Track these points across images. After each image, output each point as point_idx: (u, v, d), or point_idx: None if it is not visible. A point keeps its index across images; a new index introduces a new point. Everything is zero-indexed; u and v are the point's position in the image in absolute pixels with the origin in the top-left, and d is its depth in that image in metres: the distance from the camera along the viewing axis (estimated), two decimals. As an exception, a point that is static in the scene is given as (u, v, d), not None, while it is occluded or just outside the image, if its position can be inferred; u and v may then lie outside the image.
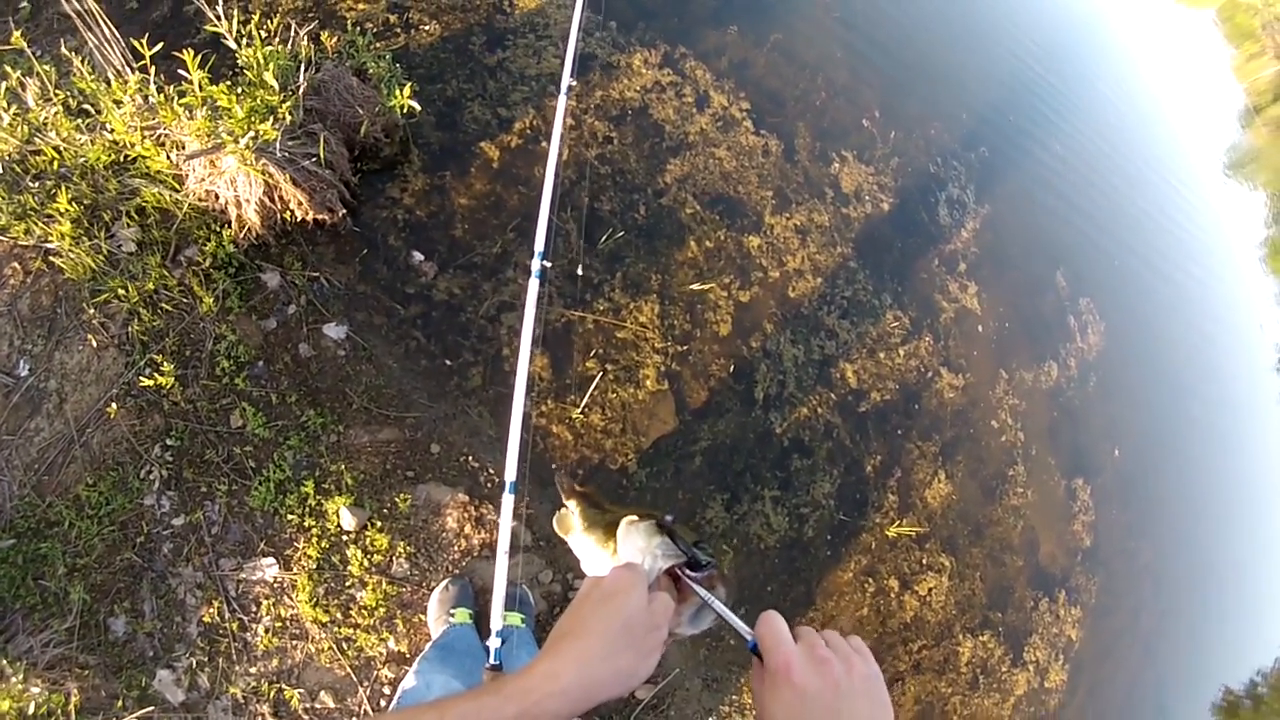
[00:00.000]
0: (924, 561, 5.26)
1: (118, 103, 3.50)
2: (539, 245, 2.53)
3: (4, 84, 3.45)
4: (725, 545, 4.52)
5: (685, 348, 4.79)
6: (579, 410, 4.30)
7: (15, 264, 3.52)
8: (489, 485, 4.00)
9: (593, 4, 5.78)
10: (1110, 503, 6.85)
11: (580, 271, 4.61)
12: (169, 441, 3.48)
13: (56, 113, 3.56)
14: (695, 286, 5.00)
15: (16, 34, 3.39)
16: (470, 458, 4.01)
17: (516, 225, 4.66)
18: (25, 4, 4.66)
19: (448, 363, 4.18)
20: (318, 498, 3.60)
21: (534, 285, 2.45)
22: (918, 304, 6.08)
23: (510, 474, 2.00)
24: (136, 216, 3.67)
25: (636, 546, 1.29)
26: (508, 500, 2.01)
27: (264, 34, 3.75)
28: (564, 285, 4.62)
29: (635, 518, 1.43)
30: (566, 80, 3.48)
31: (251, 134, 3.41)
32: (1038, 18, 12.54)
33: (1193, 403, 9.15)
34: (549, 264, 2.59)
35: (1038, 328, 7.16)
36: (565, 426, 4.31)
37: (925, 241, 6.56)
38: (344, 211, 4.05)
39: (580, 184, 4.97)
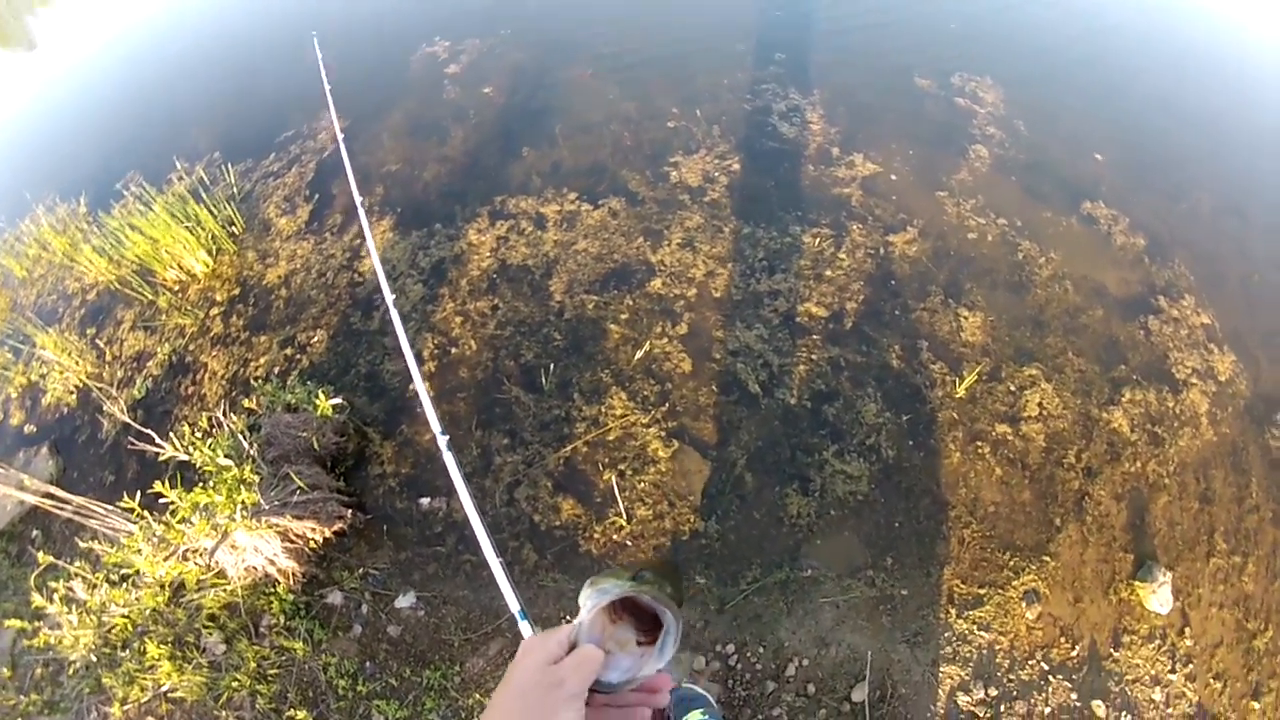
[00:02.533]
0: (1012, 388, 5.14)
1: (138, 552, 4.02)
2: (435, 427, 2.87)
3: (56, 596, 4.03)
4: (831, 517, 4.53)
5: (667, 405, 4.95)
6: (624, 518, 4.46)
7: (149, 718, 4.00)
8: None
9: (413, 222, 6.41)
10: (1130, 194, 6.68)
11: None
12: None
13: (107, 591, 4.14)
14: (639, 355, 5.20)
15: (40, 554, 4.13)
16: (567, 615, 4.17)
17: (478, 422, 5.03)
18: (36, 532, 5.45)
19: (501, 560, 4.41)
20: (471, 735, 3.80)
21: (448, 456, 2.76)
22: (824, 210, 6.19)
23: (513, 606, 2.22)
24: (211, 623, 4.20)
25: (582, 605, 1.21)
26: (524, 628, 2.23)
27: (203, 434, 4.38)
28: (542, 436, 4.90)
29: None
30: (389, 296, 3.87)
31: (239, 506, 3.92)
32: None
33: (1120, 47, 8.95)
34: (448, 435, 2.91)
35: (939, 134, 7.16)
36: (624, 538, 4.47)
37: (791, 162, 6.73)
38: (351, 511, 4.51)
39: (499, 357, 5.35)
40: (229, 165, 8.15)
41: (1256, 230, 6.70)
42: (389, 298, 3.87)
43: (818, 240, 5.91)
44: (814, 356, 5.20)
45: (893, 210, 6.20)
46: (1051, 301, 5.70)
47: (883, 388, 5.08)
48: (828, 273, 5.69)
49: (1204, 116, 8.10)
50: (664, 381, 5.09)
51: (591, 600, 1.13)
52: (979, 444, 4.86)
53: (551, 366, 5.20)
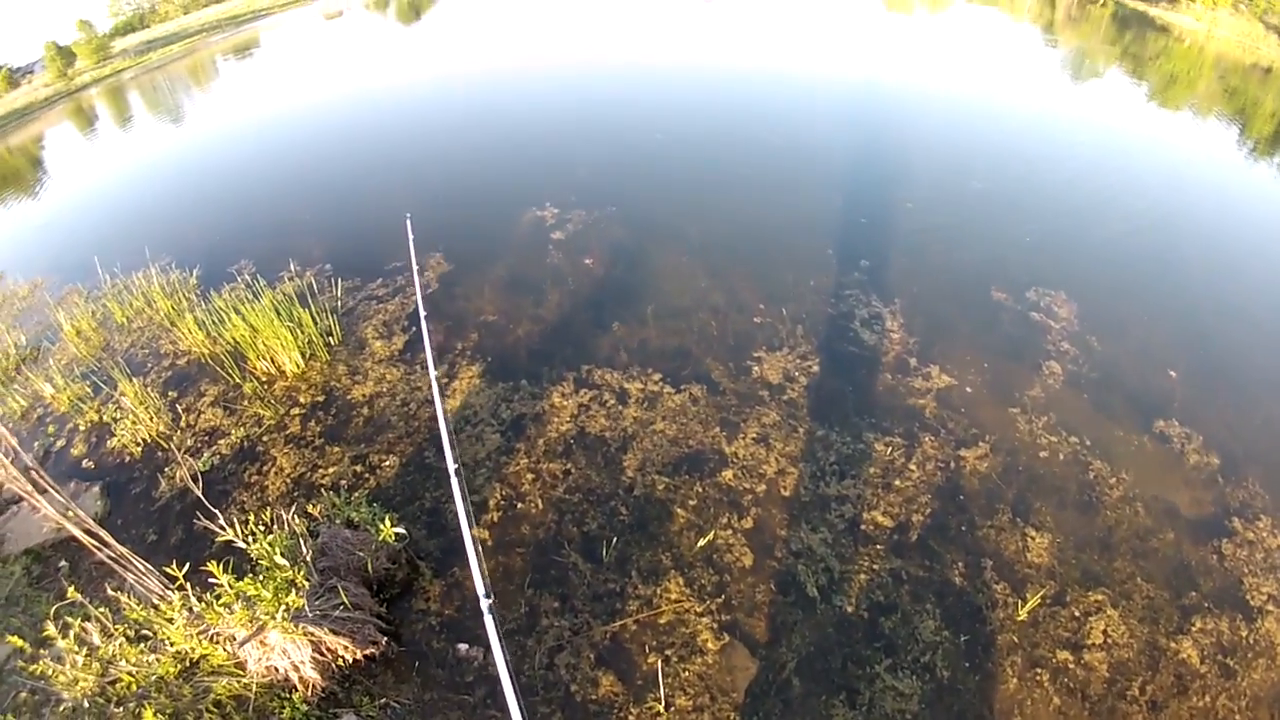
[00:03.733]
0: (1076, 614, 5.00)
1: (170, 620, 4.11)
2: (480, 587, 2.97)
3: (71, 632, 4.03)
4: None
5: (723, 597, 5.00)
6: (662, 705, 4.43)
7: None
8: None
9: (500, 374, 6.79)
10: (1204, 411, 6.62)
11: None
12: None
13: (121, 644, 4.15)
14: (701, 543, 5.32)
15: (70, 589, 4.10)
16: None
17: (531, 580, 5.14)
18: (64, 562, 5.63)
19: None
20: None
21: (489, 619, 2.85)
22: (898, 420, 6.34)
23: None
24: (215, 709, 4.14)
25: None
26: None
27: (263, 527, 4.50)
28: (593, 606, 4.97)
29: None
30: (452, 464, 4.08)
31: (283, 608, 4.03)
32: (819, 120, 14.05)
33: (1192, 263, 9.06)
34: (493, 598, 3.00)
35: (1013, 347, 7.33)
36: (663, 726, 4.42)
37: (868, 368, 6.97)
38: (386, 639, 4.57)
39: (563, 521, 5.52)
40: (338, 279, 8.86)
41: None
42: (451, 461, 4.10)
43: (889, 449, 6.03)
44: (875, 566, 5.21)
45: (965, 424, 6.30)
46: (1121, 523, 5.61)
47: (943, 604, 5.02)
48: (896, 483, 5.77)
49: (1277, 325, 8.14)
50: (723, 573, 5.16)
51: None
52: (1038, 670, 4.71)
53: (614, 540, 5.35)
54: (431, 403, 6.68)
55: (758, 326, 7.46)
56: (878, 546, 5.35)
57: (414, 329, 7.81)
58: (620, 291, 8.23)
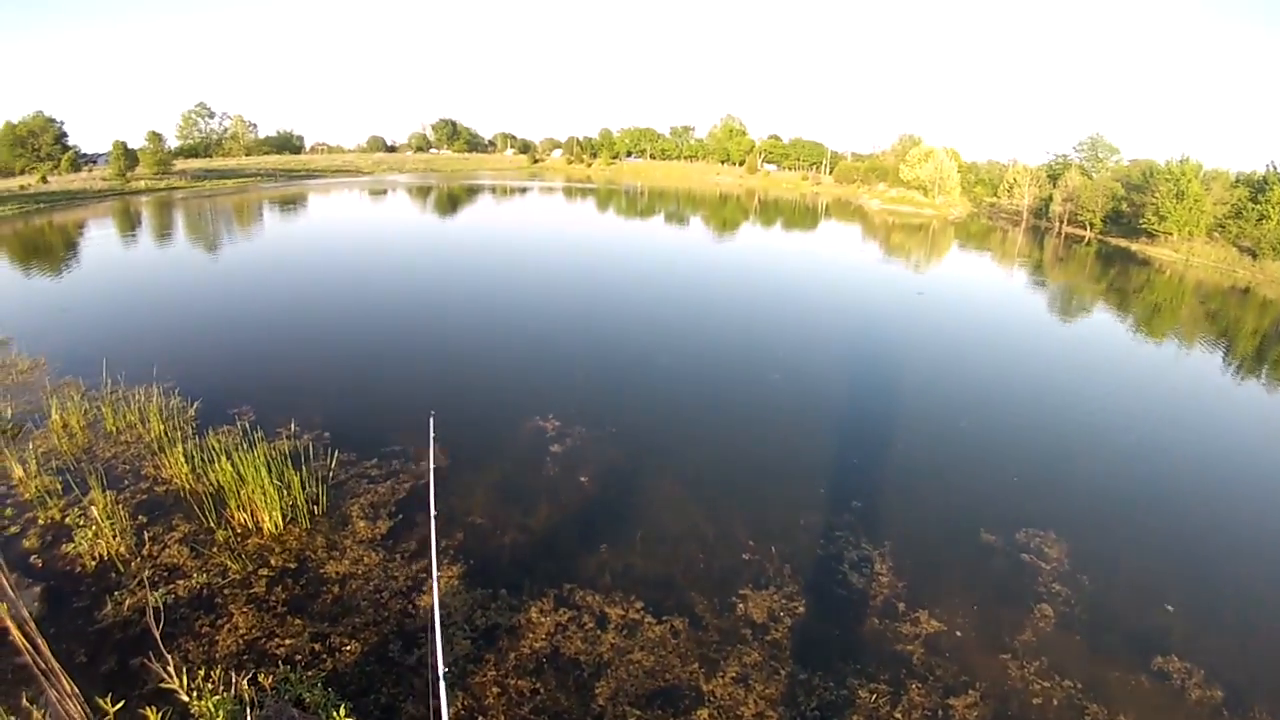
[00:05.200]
0: None
1: None
2: None
3: None
4: None
5: None
6: None
7: None
8: None
9: (480, 580, 6.68)
10: (1204, 642, 6.50)
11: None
12: None
13: None
14: (671, 785, 5.02)
15: None
16: None
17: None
18: None
19: None
20: None
21: None
22: (884, 665, 6.14)
23: None
24: None
25: None
26: None
27: (209, 685, 4.20)
28: None
29: None
30: (441, 668, 3.96)
31: None
32: (821, 364, 14.74)
33: (1181, 493, 9.20)
34: None
35: (1004, 590, 7.26)
36: None
37: (855, 611, 6.83)
38: None
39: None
40: (335, 450, 8.87)
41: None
42: (441, 667, 3.98)
43: (874, 696, 5.79)
44: (852, 824, 4.90)
45: (954, 670, 6.10)
46: None
47: None
48: (879, 731, 5.53)
49: (1274, 547, 8.11)
50: (692, 822, 4.84)
51: None
52: None
53: (574, 777, 5.03)
54: (405, 595, 6.58)
55: (745, 563, 7.41)
56: (858, 801, 5.06)
57: (400, 516, 7.82)
58: (611, 513, 8.27)
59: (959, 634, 6.58)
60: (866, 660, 6.22)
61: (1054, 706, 5.84)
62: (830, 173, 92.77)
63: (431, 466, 6.50)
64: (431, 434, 7.12)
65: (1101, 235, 49.47)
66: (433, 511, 5.82)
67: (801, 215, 55.50)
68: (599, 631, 6.34)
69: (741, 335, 16.97)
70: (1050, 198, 56.33)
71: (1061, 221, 53.29)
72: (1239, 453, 11.20)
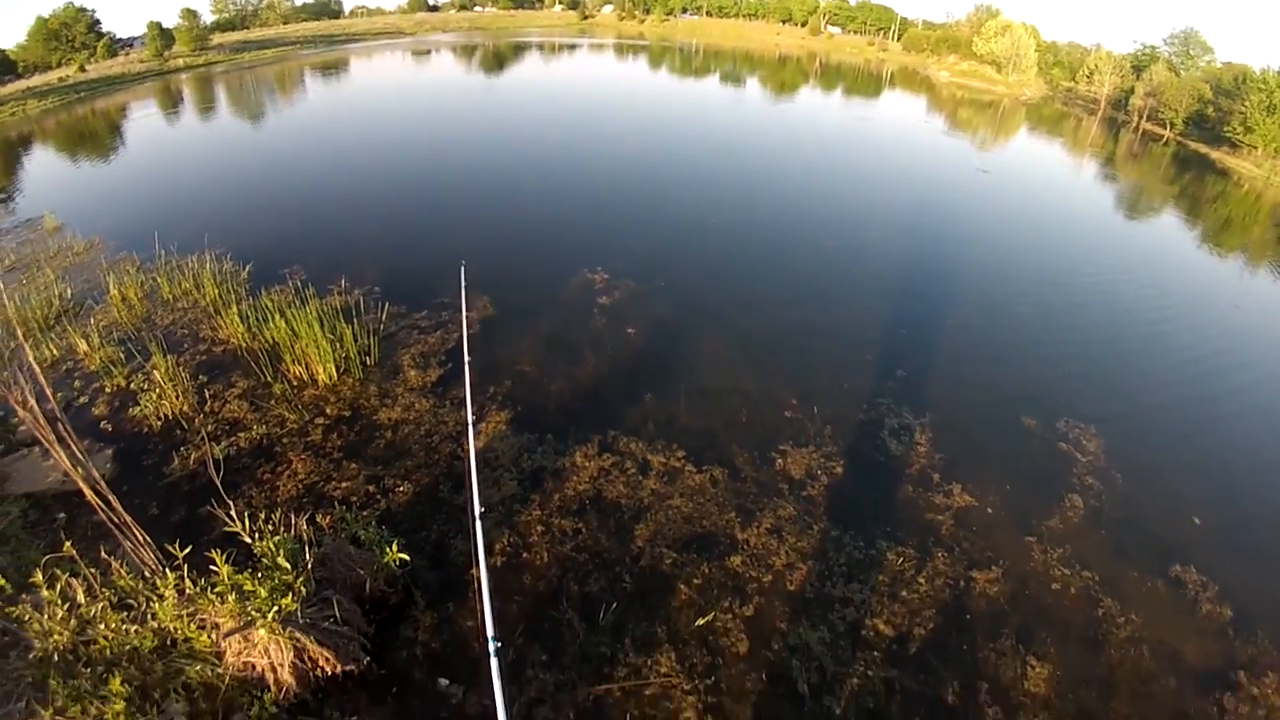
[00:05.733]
0: None
1: (161, 596, 4.10)
2: (489, 628, 2.95)
3: (57, 585, 4.04)
4: None
5: (713, 679, 4.95)
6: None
7: None
8: None
9: (527, 425, 6.88)
10: (1223, 562, 6.51)
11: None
12: None
13: (103, 608, 4.13)
14: (700, 622, 5.30)
15: (66, 544, 4.11)
16: None
17: (524, 629, 5.12)
18: (62, 514, 5.67)
19: None
20: None
21: (494, 663, 2.85)
22: (913, 532, 6.32)
23: None
24: (183, 692, 4.10)
25: None
26: None
27: (270, 526, 4.57)
28: (581, 667, 4.94)
29: None
30: (478, 508, 4.15)
31: (276, 608, 4.04)
32: (879, 230, 14.58)
33: (1227, 412, 9.05)
34: (500, 642, 2.99)
35: (1037, 475, 7.32)
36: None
37: (891, 478, 6.98)
38: (368, 659, 4.55)
39: (565, 577, 5.53)
40: (385, 303, 9.09)
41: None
42: (476, 504, 4.17)
43: (900, 560, 6.00)
44: (870, 673, 5.14)
45: (980, 546, 6.26)
46: (1125, 664, 5.49)
47: (933, 721, 4.94)
48: (903, 593, 5.73)
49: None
50: (717, 655, 5.12)
51: None
52: (1018, 809, 4.61)
53: (613, 605, 5.35)
54: (454, 440, 6.83)
55: (787, 420, 7.54)
56: (875, 653, 5.29)
57: (450, 365, 8.01)
58: (657, 365, 8.39)
59: (989, 511, 6.70)
60: (897, 525, 6.41)
61: (1070, 594, 6.00)
62: (898, 39, 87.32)
63: (464, 313, 6.60)
64: (463, 282, 7.19)
65: (1181, 137, 45.56)
66: (466, 358, 5.98)
67: (865, 82, 52.64)
68: (640, 477, 6.58)
69: (796, 199, 16.59)
70: (1132, 90, 51.78)
71: (1140, 116, 49.26)
72: None
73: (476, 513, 4.16)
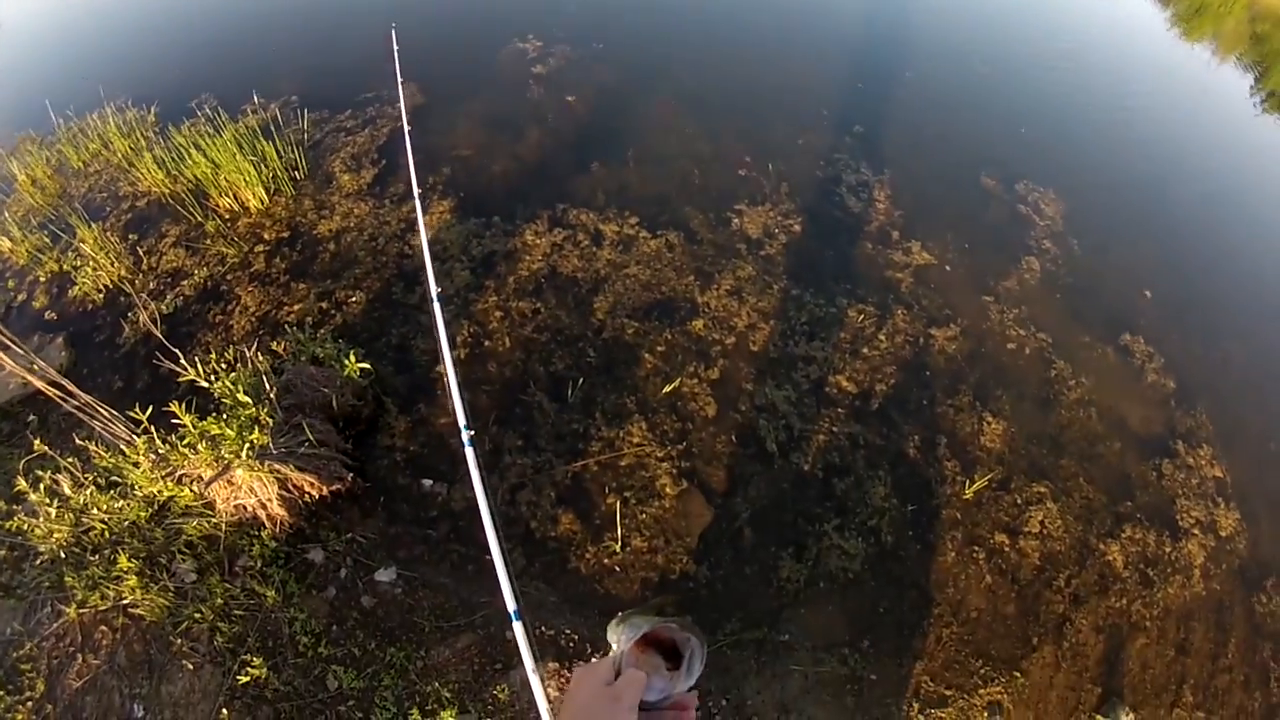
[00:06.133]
0: (1018, 501, 5.19)
1: (135, 464, 4.09)
2: (461, 419, 2.90)
3: (42, 485, 4.04)
4: (819, 589, 4.59)
5: (684, 444, 5.04)
6: (619, 545, 4.53)
7: (103, 627, 3.99)
8: (570, 646, 4.21)
9: (473, 210, 6.55)
10: (1169, 335, 6.72)
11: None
12: None
13: (92, 493, 4.16)
14: (667, 389, 5.30)
15: (37, 441, 4.03)
16: (543, 626, 4.22)
17: (496, 418, 5.10)
18: (33, 417, 5.47)
19: (489, 557, 4.44)
20: None
21: (470, 452, 2.81)
22: (873, 289, 6.30)
23: (509, 606, 2.29)
24: (187, 550, 4.21)
25: (612, 640, 1.43)
26: (518, 627, 2.29)
27: (226, 365, 4.42)
28: (556, 446, 4.98)
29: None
30: (434, 290, 3.96)
31: (247, 446, 3.95)
32: None
33: (1185, 195, 9.02)
34: (473, 431, 2.96)
35: (995, 236, 7.30)
36: (615, 564, 4.53)
37: (850, 235, 6.86)
38: (351, 475, 4.53)
39: (530, 359, 5.45)
40: (304, 111, 8.27)
41: (1283, 394, 6.76)
42: (433, 289, 3.96)
43: (861, 317, 6.00)
44: (835, 429, 5.27)
45: (939, 303, 6.30)
46: (1074, 424, 5.76)
47: (895, 474, 5.15)
48: (865, 350, 5.78)
49: (1262, 272, 8.23)
50: (686, 421, 5.17)
51: (627, 633, 1.30)
52: (975, 549, 4.92)
53: (580, 381, 5.30)
54: (400, 238, 6.43)
55: (742, 180, 7.24)
56: (839, 410, 5.41)
57: (384, 161, 7.37)
58: (602, 133, 7.85)
59: (948, 269, 6.70)
60: (857, 283, 6.37)
61: (1024, 354, 6.14)
62: None
63: (399, 80, 6.02)
64: (395, 47, 6.57)
65: None
66: (406, 128, 5.51)
67: None
68: (595, 249, 6.33)
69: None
70: None
71: None
72: (1251, 178, 10.46)
73: (434, 294, 3.96)
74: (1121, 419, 5.92)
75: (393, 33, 6.71)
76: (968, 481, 5.14)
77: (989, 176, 7.95)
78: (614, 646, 1.33)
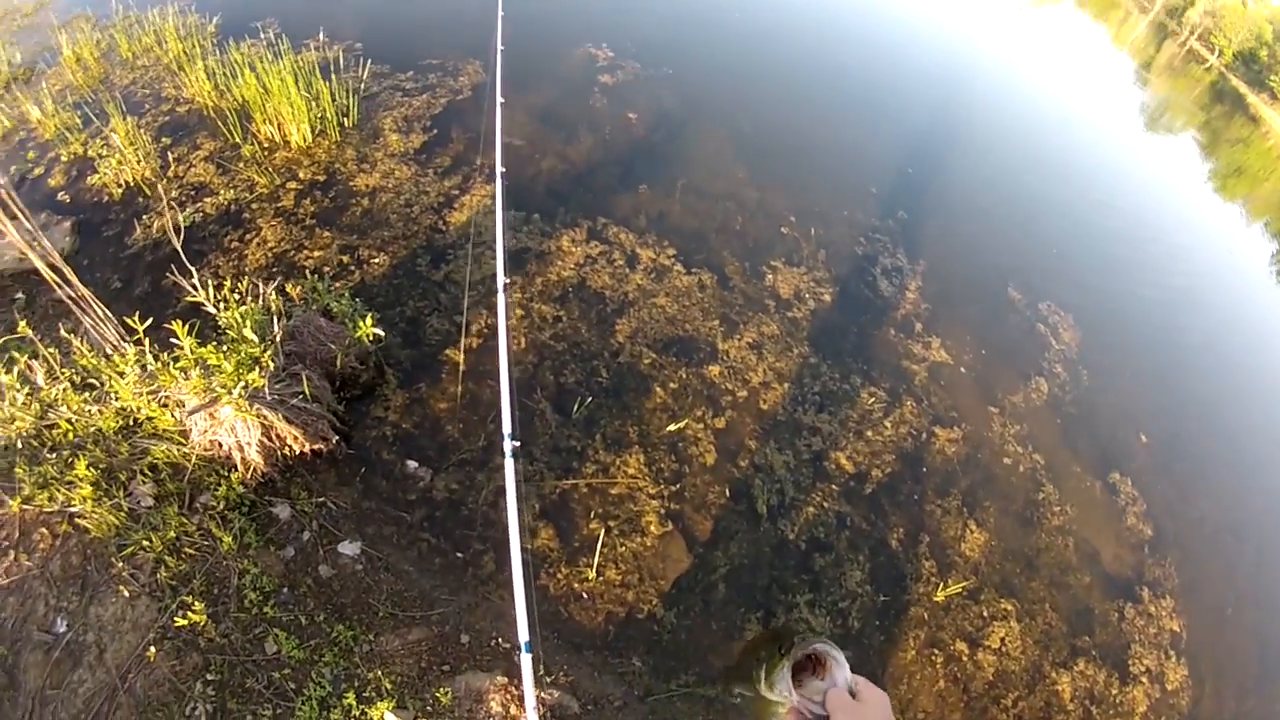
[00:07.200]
0: (984, 614, 5.20)
1: (121, 374, 3.92)
2: (506, 428, 2.81)
3: (15, 368, 3.89)
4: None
5: (678, 486, 4.99)
6: (594, 572, 4.46)
7: (43, 529, 3.77)
8: (516, 659, 4.12)
9: (514, 202, 6.48)
10: (1156, 483, 6.77)
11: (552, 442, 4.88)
12: (209, 676, 3.49)
13: (65, 389, 3.99)
14: (672, 427, 5.26)
15: (22, 323, 3.85)
16: (500, 639, 4.11)
17: (494, 417, 5.00)
18: (21, 295, 5.28)
19: (459, 555, 4.38)
20: (361, 707, 3.63)
21: (509, 465, 2.72)
22: (888, 375, 6.32)
23: (522, 637, 2.21)
24: (150, 473, 4.01)
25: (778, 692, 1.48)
26: (525, 660, 2.21)
27: (236, 296, 4.25)
28: (550, 459, 4.90)
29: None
30: (501, 279, 3.90)
31: (242, 384, 3.79)
32: (901, 65, 13.73)
33: (1197, 351, 9.17)
34: (519, 443, 2.86)
35: (1012, 350, 7.36)
36: (584, 589, 4.45)
37: (876, 316, 6.89)
38: (337, 438, 4.42)
39: (542, 365, 5.39)
40: (367, 61, 8.21)
41: (1248, 562, 6.86)
42: (501, 278, 3.89)
43: (872, 400, 6.02)
44: (825, 504, 5.27)
45: (947, 404, 6.33)
46: (1050, 549, 5.80)
47: (874, 561, 5.14)
48: (869, 433, 5.79)
49: (1255, 438, 8.34)
50: (684, 463, 5.14)
51: (786, 678, 1.43)
52: (935, 651, 4.91)
53: (587, 399, 5.25)
54: (435, 211, 6.38)
55: (781, 236, 7.27)
56: (833, 486, 5.40)
57: (435, 131, 7.32)
58: (655, 155, 7.87)
59: (962, 370, 6.75)
60: (874, 365, 6.40)
61: (1017, 471, 6.18)
62: None
63: (499, 49, 5.94)
64: (500, 13, 6.54)
65: (1225, 69, 42.37)
66: (499, 100, 5.42)
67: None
68: (628, 270, 6.32)
69: (830, 13, 15.34)
70: (1192, 2, 47.60)
71: (1191, 33, 45.39)
72: (1265, 341, 10.88)
73: (501, 283, 3.88)
74: (1095, 553, 5.97)
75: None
76: (941, 584, 5.14)
77: (1016, 289, 8.05)
78: (790, 694, 1.42)
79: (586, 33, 10.04)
